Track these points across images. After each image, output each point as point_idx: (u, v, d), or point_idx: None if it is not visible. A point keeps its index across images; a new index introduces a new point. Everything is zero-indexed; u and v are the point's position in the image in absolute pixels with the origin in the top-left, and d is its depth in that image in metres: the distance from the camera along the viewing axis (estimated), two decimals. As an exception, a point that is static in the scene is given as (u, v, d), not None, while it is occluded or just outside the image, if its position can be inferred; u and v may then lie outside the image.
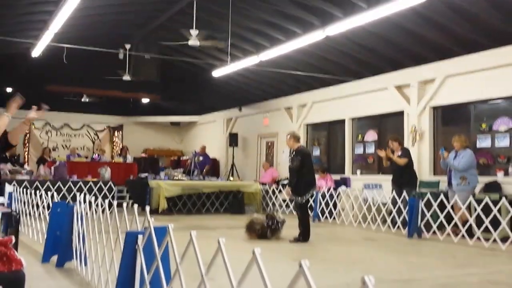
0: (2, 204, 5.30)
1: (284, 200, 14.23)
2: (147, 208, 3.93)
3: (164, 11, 12.62)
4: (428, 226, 9.20)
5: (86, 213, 5.25)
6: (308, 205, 8.90)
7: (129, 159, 17.33)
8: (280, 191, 14.41)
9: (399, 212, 9.89)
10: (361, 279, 1.75)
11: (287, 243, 8.35)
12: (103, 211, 4.81)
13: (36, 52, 12.75)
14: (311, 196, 8.94)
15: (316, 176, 13.49)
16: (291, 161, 8.75)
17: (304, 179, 8.62)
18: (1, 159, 13.25)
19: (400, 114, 12.40)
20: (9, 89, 17.84)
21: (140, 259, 3.63)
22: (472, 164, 9.36)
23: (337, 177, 13.84)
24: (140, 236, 3.64)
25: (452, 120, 11.68)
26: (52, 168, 13.65)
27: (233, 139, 18.56)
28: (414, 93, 11.94)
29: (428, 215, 9.14)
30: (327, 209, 11.99)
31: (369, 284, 1.73)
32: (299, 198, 8.62)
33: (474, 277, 5.88)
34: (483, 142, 10.61)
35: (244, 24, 12.18)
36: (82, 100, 19.70)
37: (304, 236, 8.48)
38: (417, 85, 11.83)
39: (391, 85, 12.43)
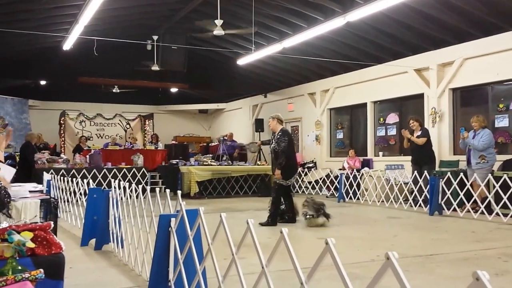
0: (41, 191, 5.37)
1: (309, 182, 14.67)
2: (179, 192, 3.97)
3: (188, 2, 12.75)
4: (448, 204, 9.41)
5: (121, 198, 5.33)
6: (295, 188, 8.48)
7: (160, 146, 17.70)
8: (306, 174, 14.88)
9: (420, 190, 10.08)
10: (385, 254, 1.78)
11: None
12: (137, 196, 4.91)
13: (67, 45, 12.83)
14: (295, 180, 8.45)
15: (346, 158, 13.98)
16: (277, 143, 8.37)
17: (289, 162, 8.34)
18: (38, 148, 13.83)
19: (420, 96, 12.57)
20: (43, 82, 18.46)
21: (174, 241, 3.67)
22: (491, 143, 9.53)
23: (360, 158, 14.09)
24: (173, 219, 3.70)
25: (471, 101, 11.78)
26: (88, 156, 13.92)
27: (259, 125, 18.93)
28: (433, 76, 12.09)
29: (448, 193, 9.33)
30: (351, 189, 12.33)
31: (393, 259, 1.75)
32: (284, 181, 8.32)
33: (493, 251, 5.98)
34: (501, 121, 10.77)
35: (267, 12, 12.32)
36: (114, 90, 20.17)
37: (273, 219, 8.20)
38: (436, 68, 11.98)
39: (411, 69, 12.57)
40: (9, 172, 3.18)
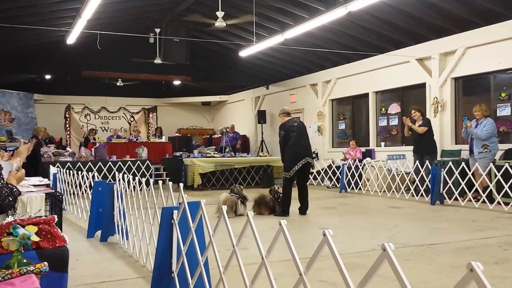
0: (47, 185, 5.43)
1: (311, 173, 14.70)
2: (181, 185, 4.01)
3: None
4: (450, 193, 9.43)
5: (126, 191, 5.37)
6: (295, 179, 8.52)
7: (164, 138, 17.78)
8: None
9: (422, 180, 10.12)
10: (381, 246, 1.81)
11: (315, 213, 8.55)
12: (141, 188, 4.91)
13: (71, 39, 12.89)
14: (298, 169, 8.37)
15: (347, 148, 14.01)
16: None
17: (289, 154, 8.41)
18: (45, 142, 13.92)
19: (422, 86, 12.55)
20: (47, 76, 18.58)
21: (176, 232, 3.70)
22: (494, 133, 9.54)
23: (362, 149, 14.16)
24: (175, 211, 3.72)
25: (473, 90, 11.77)
26: (93, 149, 14.01)
27: (261, 116, 18.97)
28: (435, 65, 12.06)
29: (450, 182, 9.33)
30: (353, 180, 12.38)
31: (389, 251, 1.77)
32: (285, 173, 8.41)
33: (493, 239, 6.01)
34: (503, 110, 10.77)
35: (268, 3, 12.30)
36: (118, 84, 20.27)
37: (284, 209, 8.29)
38: (438, 57, 11.95)
39: (412, 58, 12.55)
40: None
